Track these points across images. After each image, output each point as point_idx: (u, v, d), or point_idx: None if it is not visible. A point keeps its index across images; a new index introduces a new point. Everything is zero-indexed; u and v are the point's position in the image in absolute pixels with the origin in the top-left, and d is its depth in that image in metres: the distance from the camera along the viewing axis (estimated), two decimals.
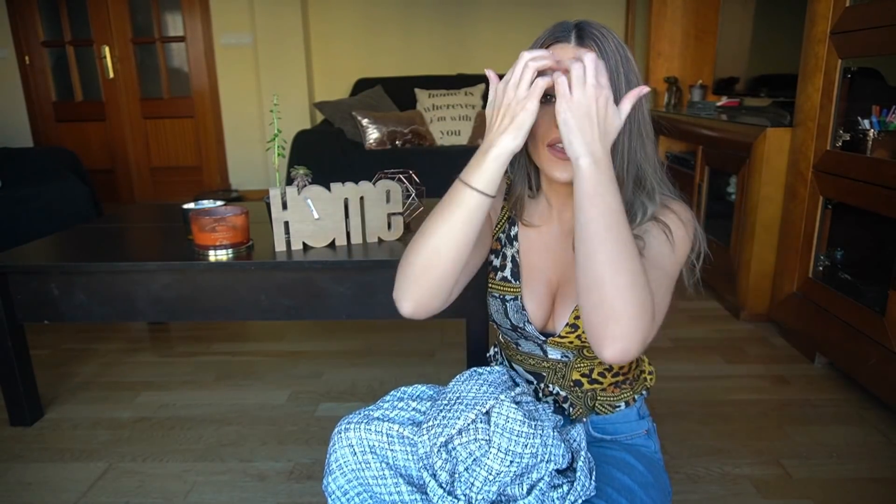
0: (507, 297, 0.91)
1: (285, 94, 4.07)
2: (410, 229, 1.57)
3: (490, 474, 0.74)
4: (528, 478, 0.76)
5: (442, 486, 0.76)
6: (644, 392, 0.97)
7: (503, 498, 0.76)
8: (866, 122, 1.61)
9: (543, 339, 0.90)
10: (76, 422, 1.62)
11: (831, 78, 1.73)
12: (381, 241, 1.50)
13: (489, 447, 0.75)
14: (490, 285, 0.95)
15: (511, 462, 0.74)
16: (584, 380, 0.93)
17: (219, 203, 1.62)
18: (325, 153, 3.31)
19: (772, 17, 2.38)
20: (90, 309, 1.48)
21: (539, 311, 0.90)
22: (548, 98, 0.76)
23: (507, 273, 0.92)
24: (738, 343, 2.01)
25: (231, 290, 1.46)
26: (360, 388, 1.78)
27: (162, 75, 4.35)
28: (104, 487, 1.36)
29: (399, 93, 3.85)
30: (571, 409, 0.95)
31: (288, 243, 1.43)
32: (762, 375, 1.80)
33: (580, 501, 0.75)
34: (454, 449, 0.77)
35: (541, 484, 0.75)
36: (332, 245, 1.46)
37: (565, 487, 0.76)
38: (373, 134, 3.45)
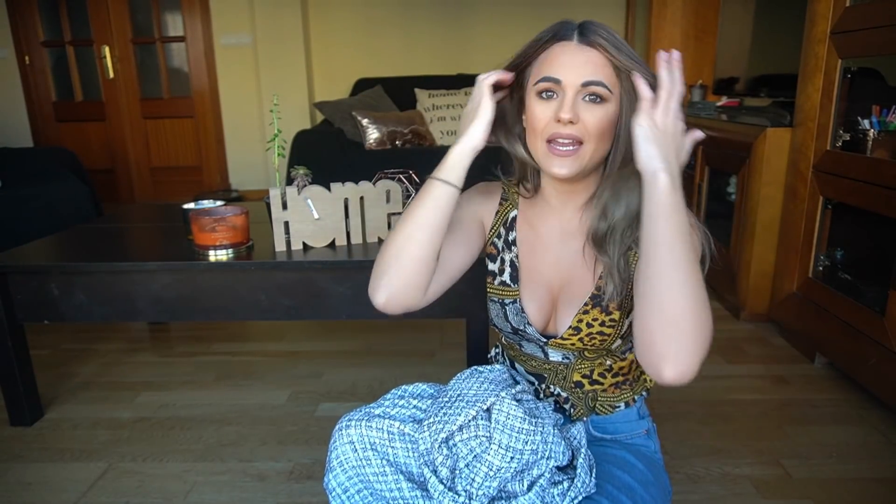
0: (506, 301, 0.91)
1: (285, 94, 4.06)
2: None
3: (491, 470, 0.74)
4: (528, 474, 0.76)
5: (443, 483, 0.76)
6: (644, 392, 0.97)
7: (504, 494, 0.76)
8: (866, 122, 1.61)
9: (545, 340, 0.90)
10: (76, 422, 1.62)
11: (831, 78, 1.73)
12: (381, 241, 1.49)
13: (490, 443, 0.75)
14: (489, 290, 0.94)
15: (511, 458, 0.74)
16: (584, 381, 0.93)
17: (219, 203, 1.62)
18: (325, 153, 3.31)
19: (772, 17, 2.38)
20: (90, 309, 1.48)
21: (539, 313, 0.90)
22: (547, 95, 0.77)
23: (506, 277, 0.92)
24: (739, 343, 2.01)
25: (231, 290, 1.46)
26: (360, 388, 1.78)
27: (162, 75, 4.35)
28: (104, 487, 1.36)
29: (399, 93, 3.84)
30: (572, 410, 0.94)
31: (288, 243, 1.43)
32: (762, 375, 1.80)
33: (580, 498, 0.76)
34: (455, 445, 0.77)
35: (541, 480, 0.75)
36: (332, 245, 1.46)
37: (566, 484, 0.76)
38: (373, 134, 3.45)
